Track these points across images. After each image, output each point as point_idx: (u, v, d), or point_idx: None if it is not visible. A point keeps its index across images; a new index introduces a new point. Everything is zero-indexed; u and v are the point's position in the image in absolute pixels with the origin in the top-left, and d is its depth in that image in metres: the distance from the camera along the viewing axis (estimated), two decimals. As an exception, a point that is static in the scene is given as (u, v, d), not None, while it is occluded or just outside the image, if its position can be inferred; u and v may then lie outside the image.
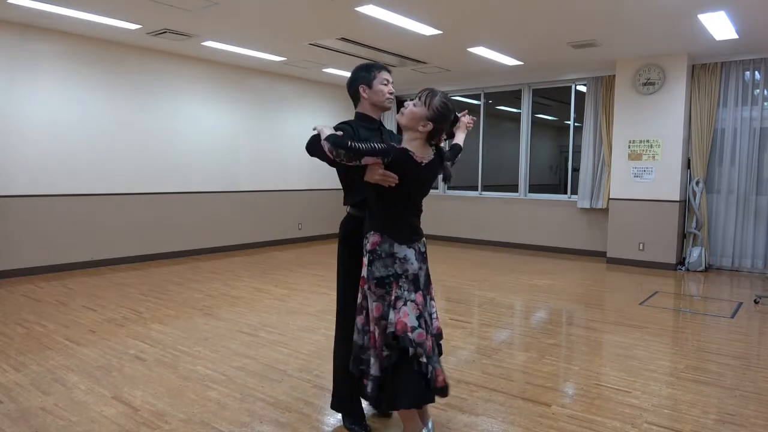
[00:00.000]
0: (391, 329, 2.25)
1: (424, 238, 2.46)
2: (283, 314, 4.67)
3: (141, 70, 6.97)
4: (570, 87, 8.23)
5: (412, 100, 2.36)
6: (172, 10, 5.31)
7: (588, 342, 4.08)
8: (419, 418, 2.40)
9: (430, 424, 2.44)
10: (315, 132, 2.34)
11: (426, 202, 2.53)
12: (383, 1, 4.96)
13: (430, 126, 2.30)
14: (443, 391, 2.33)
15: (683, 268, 7.08)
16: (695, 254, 7.01)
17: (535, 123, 9.34)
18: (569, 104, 8.31)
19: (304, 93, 9.14)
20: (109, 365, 3.41)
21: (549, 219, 8.48)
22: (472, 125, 2.84)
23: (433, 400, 2.36)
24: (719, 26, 5.52)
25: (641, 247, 7.26)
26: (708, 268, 7.09)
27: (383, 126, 2.64)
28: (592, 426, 2.68)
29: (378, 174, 2.24)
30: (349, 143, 2.18)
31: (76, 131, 6.41)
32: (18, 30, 5.90)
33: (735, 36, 5.86)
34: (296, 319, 4.51)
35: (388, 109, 2.61)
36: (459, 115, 2.70)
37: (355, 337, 2.41)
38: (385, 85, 2.55)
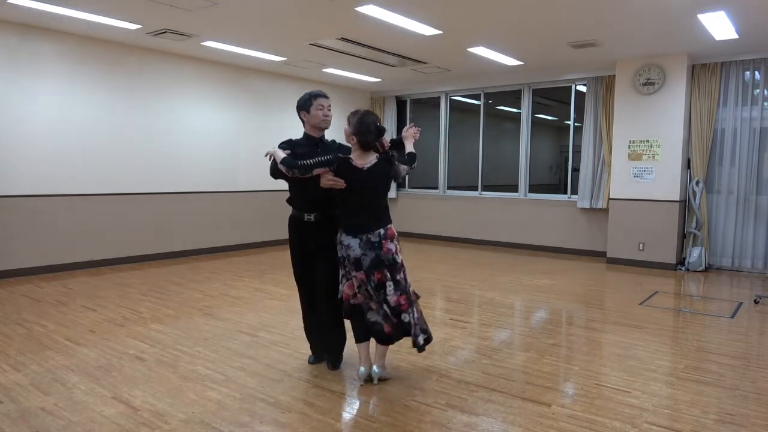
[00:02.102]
0: (339, 295, 3.15)
1: (381, 230, 3.03)
2: (283, 314, 4.67)
3: (141, 70, 6.97)
4: (570, 87, 8.23)
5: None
6: (172, 10, 5.31)
7: (588, 342, 4.08)
8: (368, 357, 3.15)
9: (374, 369, 3.13)
10: (268, 157, 3.13)
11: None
12: (383, 1, 4.96)
13: (354, 139, 3.05)
14: (390, 339, 3.11)
15: (683, 268, 7.08)
16: (695, 254, 7.01)
17: (535, 123, 9.34)
18: (569, 104, 8.30)
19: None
20: (109, 365, 3.41)
21: (549, 219, 8.48)
22: (418, 135, 3.37)
23: (367, 339, 3.15)
24: (719, 26, 5.52)
25: (641, 247, 7.26)
26: (708, 268, 7.09)
27: (321, 141, 3.30)
28: (592, 426, 2.68)
29: (328, 180, 3.01)
30: (299, 162, 2.98)
31: (76, 131, 6.41)
32: (18, 30, 5.90)
33: (735, 36, 5.86)
34: (296, 319, 4.50)
35: (324, 129, 3.29)
36: (406, 127, 3.40)
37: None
38: (320, 110, 3.22)
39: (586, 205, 7.98)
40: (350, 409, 2.85)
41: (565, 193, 8.60)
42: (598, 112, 7.85)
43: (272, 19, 5.63)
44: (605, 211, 7.81)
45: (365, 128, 3.02)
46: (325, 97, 3.28)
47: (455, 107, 9.90)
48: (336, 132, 3.54)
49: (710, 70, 6.95)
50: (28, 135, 6.03)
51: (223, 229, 8.03)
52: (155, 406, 2.84)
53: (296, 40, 6.45)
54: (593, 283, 6.27)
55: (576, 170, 8.39)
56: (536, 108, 9.62)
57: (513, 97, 9.25)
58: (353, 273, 3.05)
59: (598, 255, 7.91)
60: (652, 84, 7.05)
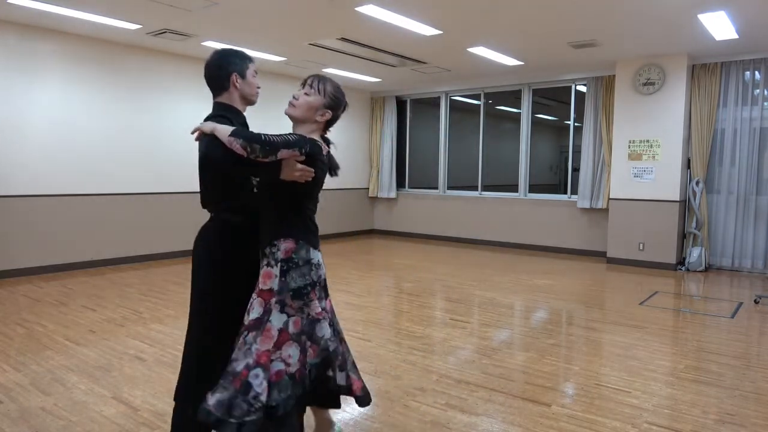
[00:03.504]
0: (333, 345, 2.10)
1: None
2: (283, 314, 4.66)
3: (141, 70, 6.97)
4: (570, 87, 8.23)
5: (299, 90, 2.23)
6: (172, 10, 5.31)
7: (588, 342, 4.08)
8: (325, 422, 2.34)
9: (336, 427, 2.39)
10: (198, 136, 2.05)
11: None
12: (383, 1, 4.96)
13: (328, 114, 2.19)
14: (364, 400, 2.22)
15: (683, 268, 7.08)
16: (695, 254, 7.01)
17: (535, 123, 9.34)
18: (569, 104, 8.30)
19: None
20: (109, 365, 3.41)
21: (549, 219, 8.48)
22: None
23: (338, 406, 2.31)
24: (719, 26, 5.52)
25: (641, 247, 7.26)
26: (708, 268, 7.09)
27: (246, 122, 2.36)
28: (592, 426, 2.67)
29: (297, 170, 2.04)
30: (263, 137, 1.95)
31: (75, 131, 6.40)
32: (18, 30, 5.90)
33: (735, 36, 5.86)
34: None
35: (253, 104, 2.40)
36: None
37: (243, 364, 1.97)
38: (254, 77, 2.35)
39: (586, 205, 7.98)
40: (350, 409, 2.85)
41: (565, 193, 8.60)
42: (598, 112, 7.85)
43: (272, 19, 5.63)
44: (605, 211, 7.81)
45: (343, 99, 2.24)
46: (255, 62, 2.41)
47: (455, 107, 9.90)
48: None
49: (710, 70, 6.95)
50: (28, 135, 6.03)
51: (223, 229, 8.02)
52: (155, 406, 2.83)
53: (296, 40, 6.45)
54: (593, 283, 6.27)
55: (576, 170, 8.39)
56: (536, 108, 9.62)
57: (513, 97, 9.25)
58: (323, 303, 2.15)
59: (598, 255, 7.91)
60: (652, 84, 7.05)
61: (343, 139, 9.92)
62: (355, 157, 10.20)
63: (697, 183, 7.01)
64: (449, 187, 9.65)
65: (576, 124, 8.29)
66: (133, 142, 6.94)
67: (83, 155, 6.48)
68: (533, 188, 8.85)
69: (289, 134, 2.07)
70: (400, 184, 10.23)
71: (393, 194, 10.14)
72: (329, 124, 2.24)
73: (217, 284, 2.14)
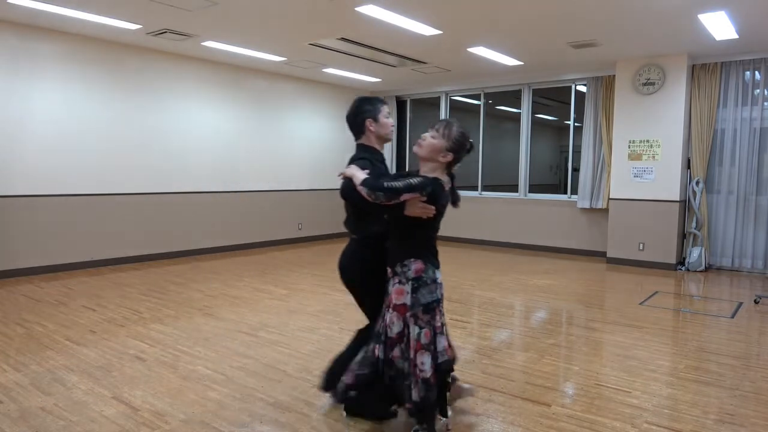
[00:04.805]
0: (445, 357, 2.45)
1: None
2: (283, 314, 4.67)
3: (141, 70, 6.97)
4: (570, 87, 8.23)
5: (428, 132, 2.48)
6: (172, 10, 5.31)
7: (588, 342, 4.08)
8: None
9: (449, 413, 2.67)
10: (342, 177, 2.49)
11: None
12: (383, 1, 4.96)
13: (450, 156, 2.44)
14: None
15: (683, 268, 7.08)
16: (695, 254, 7.01)
17: (535, 123, 9.34)
18: (569, 104, 8.30)
19: (304, 93, 9.14)
20: (109, 365, 3.41)
21: (549, 219, 8.48)
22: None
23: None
24: (719, 26, 5.52)
25: (641, 247, 7.26)
26: (708, 268, 7.09)
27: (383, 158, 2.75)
28: (592, 426, 2.68)
29: (419, 208, 2.40)
30: (385, 184, 2.33)
31: (75, 131, 6.40)
32: (18, 30, 5.89)
33: (735, 36, 5.86)
34: (296, 319, 4.51)
35: (389, 141, 2.77)
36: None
37: (400, 364, 2.48)
38: (387, 118, 2.69)
39: (586, 205, 7.98)
40: (350, 409, 2.85)
41: (565, 193, 8.60)
42: (598, 112, 7.85)
43: (272, 19, 5.63)
44: (605, 211, 7.81)
45: (466, 143, 2.47)
46: (387, 103, 2.76)
47: (455, 107, 9.90)
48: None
49: (710, 70, 6.95)
50: (28, 135, 6.02)
51: (223, 229, 8.03)
52: (155, 406, 2.84)
53: (296, 40, 6.45)
54: (593, 283, 6.27)
55: (576, 170, 8.39)
56: (536, 108, 9.62)
57: (513, 97, 9.25)
58: (443, 318, 2.52)
59: (598, 255, 7.91)
60: (652, 84, 7.05)
61: (343, 140, 9.92)
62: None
63: (697, 183, 7.01)
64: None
65: (576, 124, 8.29)
66: (134, 142, 6.94)
67: (83, 155, 6.48)
68: (533, 188, 8.85)
69: (414, 178, 2.39)
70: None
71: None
72: (451, 164, 2.50)
73: (359, 291, 2.73)
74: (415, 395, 2.40)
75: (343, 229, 2.80)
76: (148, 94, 7.06)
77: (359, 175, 2.39)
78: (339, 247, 2.85)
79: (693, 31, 5.78)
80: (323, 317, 4.58)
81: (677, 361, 3.65)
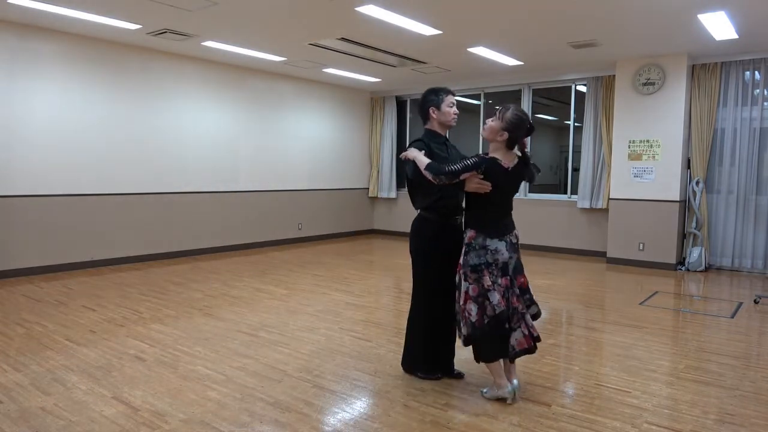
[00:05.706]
0: (501, 308, 2.81)
1: (516, 231, 3.00)
2: (283, 314, 4.67)
3: (141, 69, 6.97)
4: (570, 87, 8.23)
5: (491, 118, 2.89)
6: (172, 10, 5.31)
7: (588, 342, 4.08)
8: (507, 375, 2.95)
9: (515, 382, 2.95)
10: (405, 159, 2.97)
11: None
12: (383, 1, 4.96)
13: (505, 135, 2.81)
14: (529, 351, 2.94)
15: (683, 268, 7.08)
16: (695, 254, 7.01)
17: (535, 123, 9.27)
18: (569, 104, 8.30)
19: (304, 93, 9.14)
20: (109, 365, 3.41)
21: (549, 219, 8.48)
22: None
23: (507, 355, 2.91)
24: (719, 26, 5.52)
25: (641, 247, 7.26)
26: (708, 268, 7.09)
27: (448, 140, 3.19)
28: (592, 426, 2.68)
29: (475, 183, 2.82)
30: (447, 168, 2.79)
31: (75, 131, 6.40)
32: (18, 30, 5.89)
33: (735, 36, 5.86)
34: (296, 319, 4.51)
35: (452, 127, 3.14)
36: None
37: (457, 307, 2.97)
38: (451, 107, 3.07)
39: (586, 205, 7.98)
40: (350, 409, 2.85)
41: (565, 193, 8.60)
42: (598, 112, 7.85)
43: (272, 19, 5.63)
44: (605, 211, 7.81)
45: (521, 124, 2.81)
46: (454, 94, 3.12)
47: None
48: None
49: (710, 70, 6.95)
50: (28, 135, 6.02)
51: (223, 229, 8.03)
52: (155, 406, 2.84)
53: (296, 40, 6.45)
54: (593, 283, 6.27)
55: (576, 170, 8.39)
56: (536, 108, 9.63)
57: (513, 97, 9.24)
58: (499, 280, 2.85)
59: (598, 255, 7.91)
60: (652, 84, 7.05)
61: (343, 139, 9.93)
62: (355, 157, 10.20)
63: (697, 183, 7.01)
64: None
65: (576, 124, 8.29)
66: (134, 142, 6.93)
67: (83, 155, 6.48)
68: (533, 188, 8.85)
69: (471, 158, 2.82)
70: (400, 184, 10.23)
71: (393, 194, 10.14)
72: (510, 142, 2.84)
73: (419, 261, 3.13)
74: (464, 330, 2.89)
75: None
76: (148, 94, 7.06)
77: (422, 159, 2.87)
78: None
79: (693, 31, 5.78)
80: (323, 317, 4.58)
81: (677, 361, 3.65)
